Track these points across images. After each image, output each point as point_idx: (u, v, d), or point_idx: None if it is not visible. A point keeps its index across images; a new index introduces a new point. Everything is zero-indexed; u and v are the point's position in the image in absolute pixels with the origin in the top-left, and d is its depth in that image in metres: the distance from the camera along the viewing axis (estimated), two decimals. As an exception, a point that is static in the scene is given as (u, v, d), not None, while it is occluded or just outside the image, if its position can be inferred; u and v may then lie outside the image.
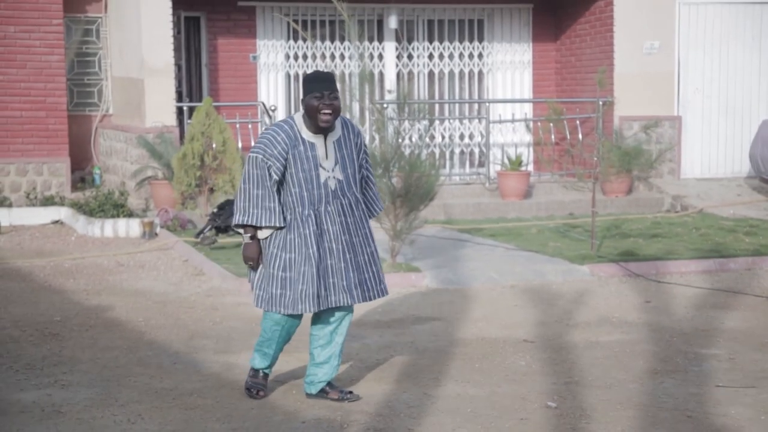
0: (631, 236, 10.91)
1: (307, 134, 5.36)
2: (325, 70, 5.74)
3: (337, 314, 5.62)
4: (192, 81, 14.59)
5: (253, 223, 5.35)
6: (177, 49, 13.59)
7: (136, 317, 7.70)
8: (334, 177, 5.38)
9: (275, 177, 5.31)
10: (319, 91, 5.27)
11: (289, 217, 5.37)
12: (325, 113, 5.28)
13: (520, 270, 9.22)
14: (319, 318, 5.62)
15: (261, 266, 5.47)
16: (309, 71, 6.19)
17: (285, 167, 5.33)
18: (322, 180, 5.35)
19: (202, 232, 10.45)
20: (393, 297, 8.39)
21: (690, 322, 7.50)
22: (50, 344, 6.88)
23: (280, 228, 5.37)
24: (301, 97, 5.47)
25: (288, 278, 5.38)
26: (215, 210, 10.57)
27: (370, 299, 5.57)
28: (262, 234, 5.42)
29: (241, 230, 5.45)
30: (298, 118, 5.41)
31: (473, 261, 9.67)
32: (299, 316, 5.59)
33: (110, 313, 7.83)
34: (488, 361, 6.47)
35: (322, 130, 5.34)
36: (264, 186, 5.29)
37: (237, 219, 5.39)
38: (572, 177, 14.05)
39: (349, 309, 5.65)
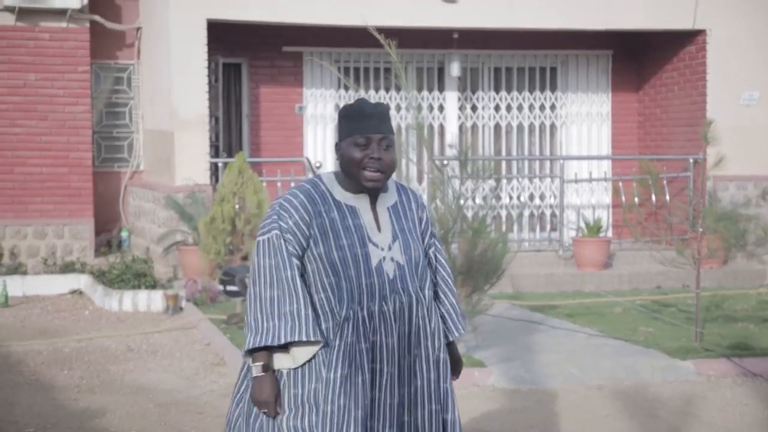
0: (737, 320, 9.14)
1: (342, 195, 3.42)
2: (374, 102, 3.51)
3: None
4: (231, 134, 13.15)
5: (267, 343, 3.32)
6: (214, 99, 12.20)
7: (128, 428, 6.16)
8: (392, 259, 3.38)
9: (296, 261, 3.36)
10: (363, 135, 3.34)
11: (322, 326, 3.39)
12: (371, 171, 3.35)
13: (607, 365, 7.53)
14: None
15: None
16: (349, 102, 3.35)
17: (307, 246, 3.34)
18: (374, 263, 3.35)
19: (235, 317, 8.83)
20: (451, 401, 6.78)
21: (840, 449, 5.75)
22: (7, 470, 5.37)
23: (316, 344, 3.35)
24: (335, 141, 3.52)
25: (324, 412, 3.33)
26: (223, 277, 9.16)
27: None
28: (280, 362, 3.38)
29: (248, 358, 3.41)
30: (328, 176, 3.50)
31: (549, 352, 7.99)
32: None
33: (98, 421, 6.29)
34: None
35: (368, 189, 3.43)
36: (281, 282, 3.32)
37: (247, 342, 3.37)
38: (659, 244, 12.35)
39: None
